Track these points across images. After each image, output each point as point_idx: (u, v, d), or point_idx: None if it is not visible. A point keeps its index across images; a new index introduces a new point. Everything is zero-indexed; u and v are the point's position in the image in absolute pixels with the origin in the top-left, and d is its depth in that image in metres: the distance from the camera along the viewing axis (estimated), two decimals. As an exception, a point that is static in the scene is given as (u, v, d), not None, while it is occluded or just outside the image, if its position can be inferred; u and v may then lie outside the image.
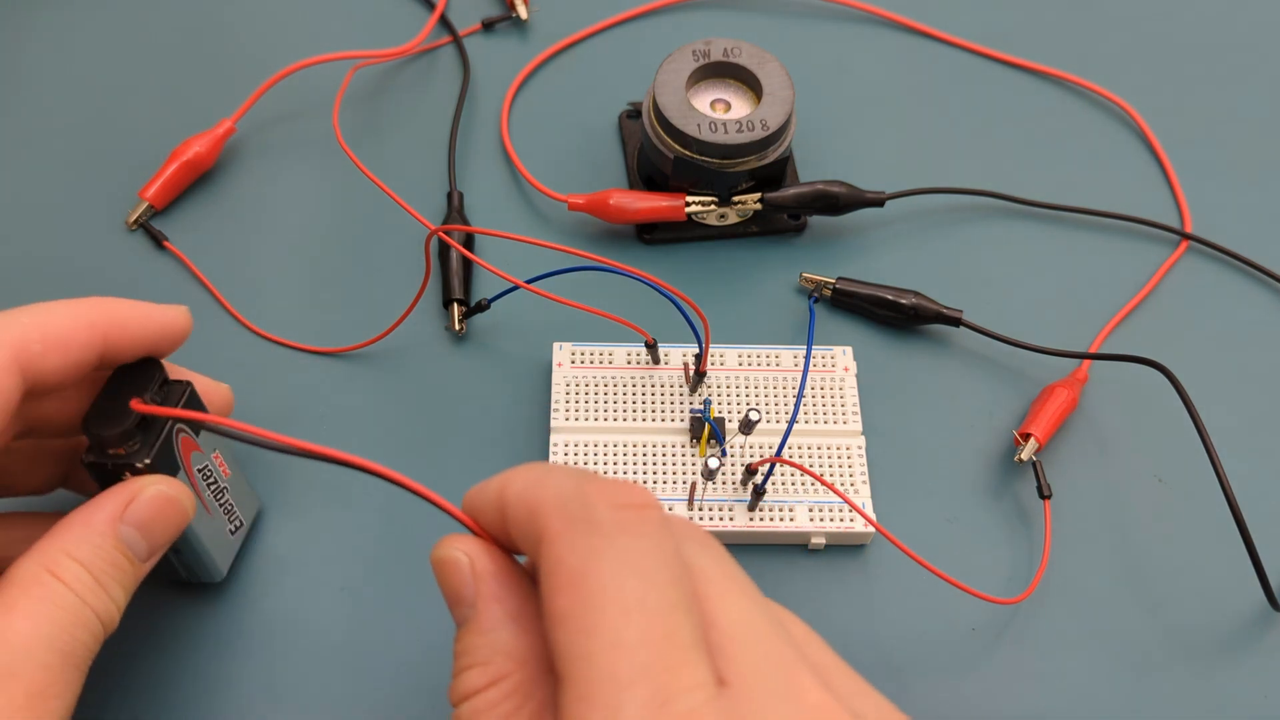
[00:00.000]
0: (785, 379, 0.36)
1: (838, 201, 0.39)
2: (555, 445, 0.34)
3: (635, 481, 0.34)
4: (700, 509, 0.34)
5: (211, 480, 0.30)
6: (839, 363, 0.36)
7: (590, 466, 0.34)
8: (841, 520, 0.34)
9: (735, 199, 0.39)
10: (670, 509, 0.34)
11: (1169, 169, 0.43)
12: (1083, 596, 0.34)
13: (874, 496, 0.35)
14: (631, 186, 0.41)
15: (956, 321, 0.38)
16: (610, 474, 0.34)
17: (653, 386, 0.36)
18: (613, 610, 0.19)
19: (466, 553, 0.23)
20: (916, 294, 0.38)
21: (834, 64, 0.45)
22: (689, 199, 0.39)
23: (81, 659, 0.24)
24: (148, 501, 0.26)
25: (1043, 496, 0.34)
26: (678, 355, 0.36)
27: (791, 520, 0.34)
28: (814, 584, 0.34)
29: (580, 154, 0.42)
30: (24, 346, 0.25)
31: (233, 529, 0.32)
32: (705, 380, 0.36)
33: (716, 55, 0.39)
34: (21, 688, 0.23)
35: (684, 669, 0.19)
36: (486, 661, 0.22)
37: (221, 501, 0.31)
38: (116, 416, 0.26)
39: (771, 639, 0.21)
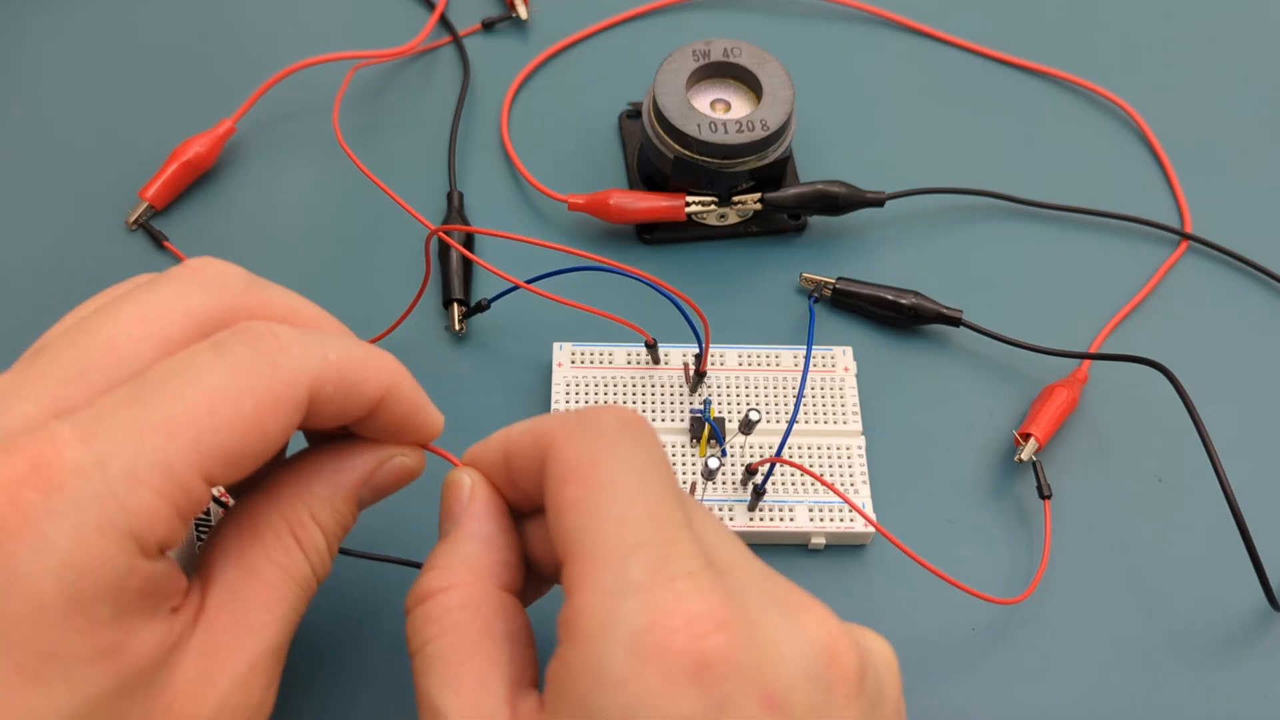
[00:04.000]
0: (785, 379, 0.36)
1: (838, 201, 0.39)
2: (555, 445, 0.34)
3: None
4: (700, 509, 0.34)
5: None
6: (839, 363, 0.36)
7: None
8: (841, 520, 0.34)
9: (735, 199, 0.39)
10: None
11: (1169, 169, 0.43)
12: (1083, 596, 0.34)
13: (874, 496, 0.35)
14: (631, 186, 0.41)
15: (956, 321, 0.38)
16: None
17: (653, 386, 0.36)
18: (619, 494, 0.22)
19: (471, 479, 0.25)
20: (916, 294, 0.38)
21: (834, 64, 0.45)
22: (689, 199, 0.39)
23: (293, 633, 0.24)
24: (392, 471, 0.26)
25: (1043, 496, 0.34)
26: (678, 355, 0.36)
27: (791, 520, 0.34)
28: (814, 584, 0.33)
29: (580, 154, 0.42)
30: (318, 384, 0.22)
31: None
32: (705, 380, 0.36)
33: (716, 55, 0.39)
34: (260, 677, 0.23)
35: (681, 543, 0.21)
36: (445, 567, 0.24)
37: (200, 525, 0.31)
38: None
39: (742, 545, 0.23)
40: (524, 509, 0.26)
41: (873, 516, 0.33)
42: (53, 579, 0.19)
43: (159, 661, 0.21)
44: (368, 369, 0.24)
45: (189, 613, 0.22)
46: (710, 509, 0.24)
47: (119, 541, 0.19)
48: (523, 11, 0.45)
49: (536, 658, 0.24)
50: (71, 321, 0.24)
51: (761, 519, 0.34)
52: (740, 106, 0.39)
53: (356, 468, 0.25)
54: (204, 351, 0.21)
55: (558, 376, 0.36)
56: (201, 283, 0.23)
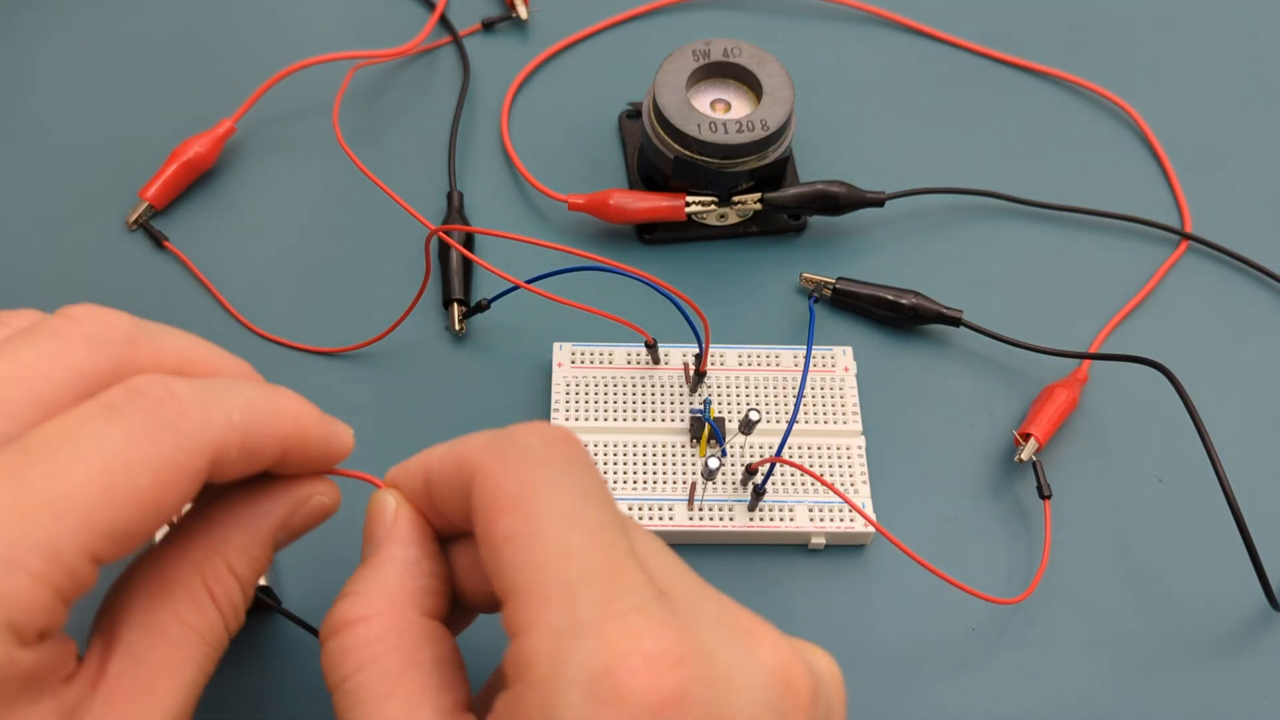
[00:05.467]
0: (785, 379, 0.36)
1: (838, 201, 0.39)
2: (555, 445, 0.34)
3: (626, 477, 0.34)
4: (700, 509, 0.34)
5: None
6: (839, 363, 0.36)
7: (590, 466, 0.34)
8: (841, 520, 0.34)
9: (735, 199, 0.39)
10: (670, 509, 0.34)
11: (1169, 169, 0.43)
12: (1083, 596, 0.34)
13: (874, 496, 0.35)
14: (631, 186, 0.41)
15: (956, 321, 0.38)
16: (610, 474, 0.34)
17: (653, 386, 0.36)
18: (557, 523, 0.21)
19: (395, 500, 0.24)
20: (916, 294, 0.38)
21: (834, 64, 0.45)
22: (689, 199, 0.39)
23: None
24: (309, 512, 0.24)
25: (1043, 496, 0.34)
26: (678, 355, 0.36)
27: (791, 520, 0.34)
28: (814, 584, 0.34)
29: (580, 154, 0.42)
30: (221, 449, 0.21)
31: None
32: (705, 380, 0.36)
33: (716, 55, 0.39)
34: None
35: (628, 573, 0.20)
36: (362, 593, 0.23)
37: None
38: None
39: (684, 565, 0.22)
40: (448, 534, 0.25)
41: (873, 516, 0.33)
42: None
43: None
44: (273, 421, 0.22)
45: (86, 679, 0.20)
46: (653, 536, 0.23)
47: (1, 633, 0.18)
48: (523, 11, 0.45)
49: (468, 683, 0.23)
50: None
51: (761, 519, 0.34)
52: (740, 106, 0.39)
53: (273, 512, 0.23)
54: (94, 417, 0.19)
55: (558, 376, 0.36)
56: (85, 335, 0.21)
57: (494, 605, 0.22)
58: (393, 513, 0.24)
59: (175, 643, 0.21)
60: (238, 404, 0.21)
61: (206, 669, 0.22)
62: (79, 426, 0.19)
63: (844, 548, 0.34)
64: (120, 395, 0.20)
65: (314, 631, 0.28)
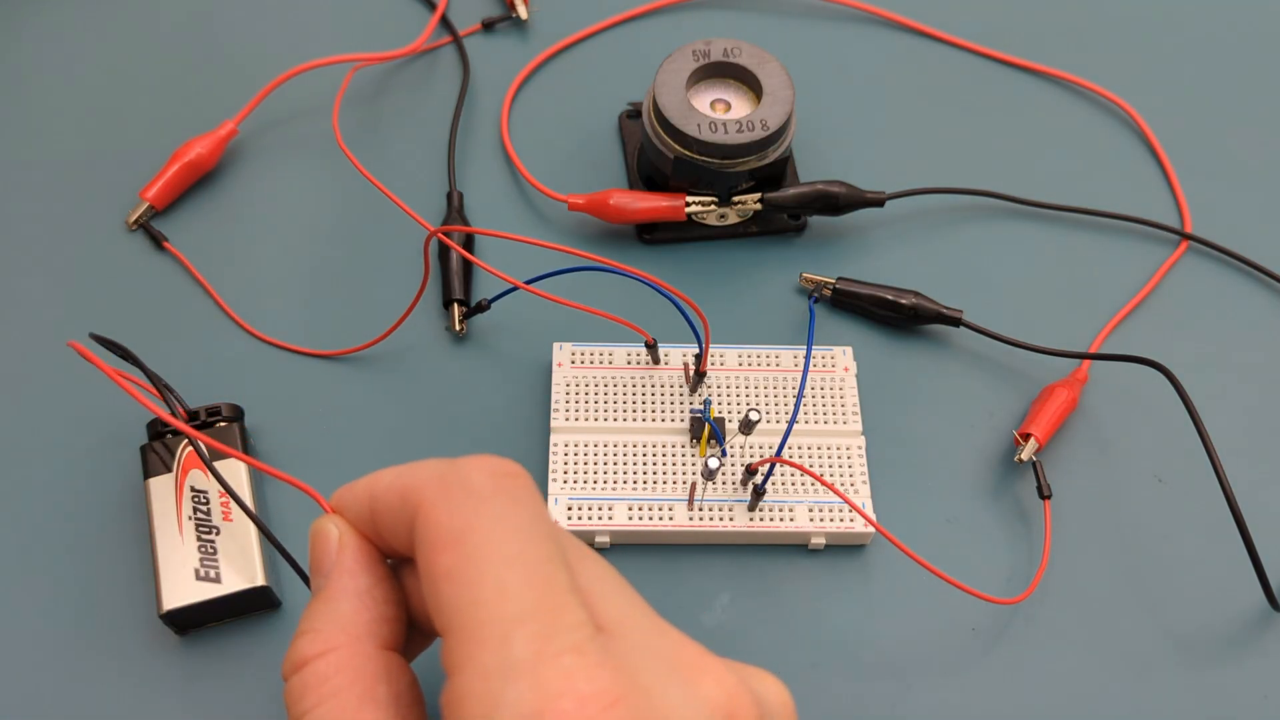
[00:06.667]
0: (785, 379, 0.36)
1: (838, 201, 0.39)
2: (555, 445, 0.34)
3: (626, 477, 0.34)
4: (700, 509, 0.34)
5: (201, 508, 0.31)
6: (839, 363, 0.36)
7: (590, 467, 0.34)
8: (841, 520, 0.34)
9: (735, 199, 0.39)
10: (670, 509, 0.34)
11: (1169, 169, 0.43)
12: (1083, 596, 0.34)
13: (874, 496, 0.35)
14: (631, 186, 0.41)
15: (956, 321, 0.38)
16: (610, 474, 0.34)
17: (653, 386, 0.36)
18: (496, 562, 0.20)
19: (338, 527, 0.24)
20: (916, 294, 0.38)
21: (834, 64, 0.45)
22: (689, 199, 0.39)
23: None
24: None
25: (1043, 496, 0.34)
26: (678, 355, 0.36)
27: (791, 520, 0.34)
28: (814, 584, 0.34)
29: (580, 154, 0.42)
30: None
31: (201, 574, 0.31)
32: (705, 380, 0.36)
33: (716, 55, 0.39)
34: None
35: (565, 611, 0.20)
36: (319, 630, 0.23)
37: (202, 538, 0.31)
38: None
39: (631, 595, 0.22)
40: (396, 558, 0.24)
41: (873, 516, 0.33)
42: None
43: None
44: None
45: None
46: (605, 566, 0.23)
47: None
48: (523, 11, 0.45)
49: (426, 716, 0.23)
50: None
51: (761, 519, 0.34)
52: (740, 106, 0.39)
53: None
54: None
55: (558, 376, 0.36)
56: None
57: None
58: (335, 541, 0.24)
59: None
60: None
61: None
62: None
63: (844, 548, 0.34)
64: None
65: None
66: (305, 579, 0.26)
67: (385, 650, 0.23)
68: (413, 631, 0.24)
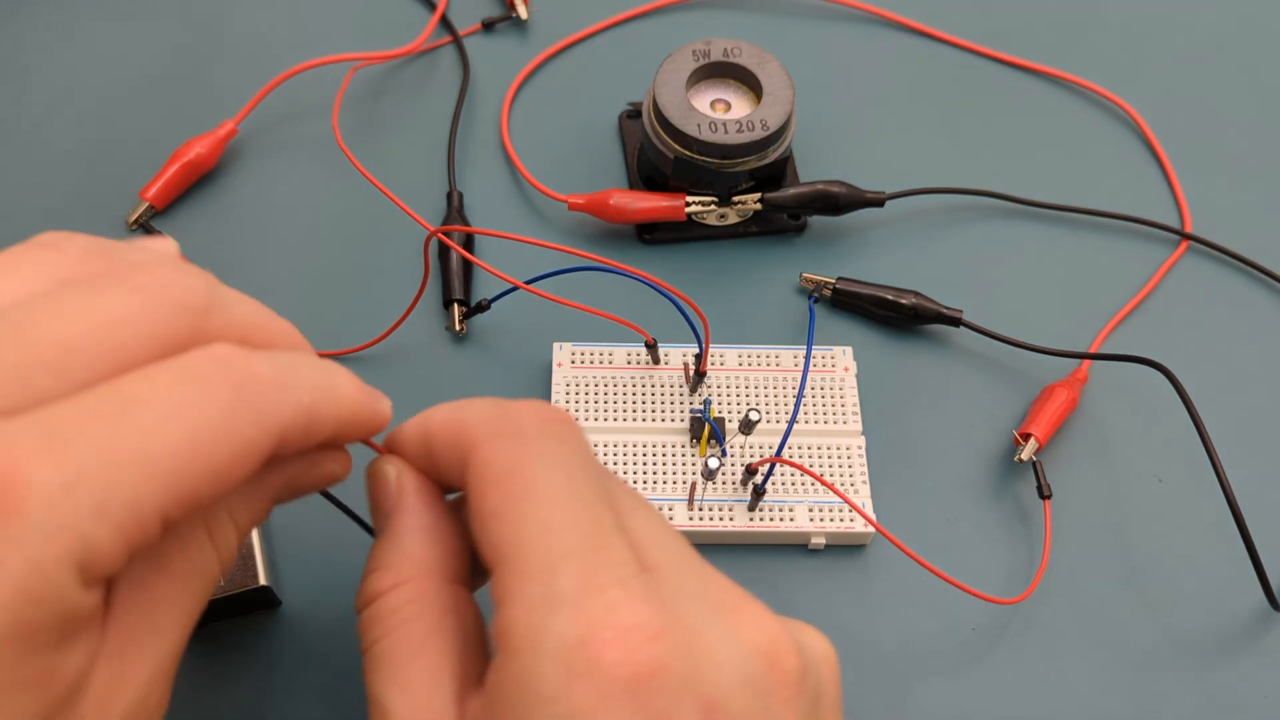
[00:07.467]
0: (785, 379, 0.36)
1: (838, 201, 0.39)
2: (555, 445, 0.34)
3: (626, 477, 0.34)
4: (700, 509, 0.34)
5: None
6: (839, 363, 0.36)
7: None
8: (841, 520, 0.34)
9: (735, 199, 0.39)
10: (670, 509, 0.34)
11: (1169, 169, 0.43)
12: (1083, 596, 0.34)
13: (874, 496, 0.35)
14: (631, 186, 0.41)
15: (956, 321, 0.38)
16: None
17: (653, 386, 0.36)
18: (543, 501, 0.21)
19: (395, 468, 0.24)
20: (916, 294, 0.38)
21: (834, 64, 0.45)
22: (689, 199, 0.39)
23: None
24: (318, 477, 0.24)
25: (1043, 496, 0.34)
26: (678, 355, 0.36)
27: (791, 520, 0.34)
28: (814, 584, 0.34)
29: (580, 154, 0.42)
30: (289, 432, 0.21)
31: None
32: (705, 380, 0.36)
33: (716, 55, 0.39)
34: (164, 680, 0.21)
35: (610, 549, 0.21)
36: (391, 566, 0.23)
37: None
38: None
39: (678, 541, 0.23)
40: (452, 492, 0.25)
41: (873, 516, 0.33)
42: (3, 609, 0.17)
43: (81, 678, 0.19)
44: (333, 404, 0.22)
45: (99, 615, 0.20)
46: (652, 505, 0.23)
47: (73, 574, 0.18)
48: (523, 11, 0.45)
49: (490, 653, 0.23)
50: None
51: (761, 519, 0.34)
52: (740, 106, 0.39)
53: (285, 470, 0.23)
54: (185, 381, 0.19)
55: (558, 376, 0.36)
56: (169, 301, 0.21)
57: None
58: (394, 481, 0.24)
59: (178, 575, 0.21)
60: (308, 386, 0.21)
61: (202, 604, 0.22)
62: (171, 389, 0.19)
63: (844, 548, 0.34)
64: (208, 366, 0.20)
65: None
66: (366, 527, 0.26)
67: (452, 584, 0.23)
68: (477, 565, 0.25)
